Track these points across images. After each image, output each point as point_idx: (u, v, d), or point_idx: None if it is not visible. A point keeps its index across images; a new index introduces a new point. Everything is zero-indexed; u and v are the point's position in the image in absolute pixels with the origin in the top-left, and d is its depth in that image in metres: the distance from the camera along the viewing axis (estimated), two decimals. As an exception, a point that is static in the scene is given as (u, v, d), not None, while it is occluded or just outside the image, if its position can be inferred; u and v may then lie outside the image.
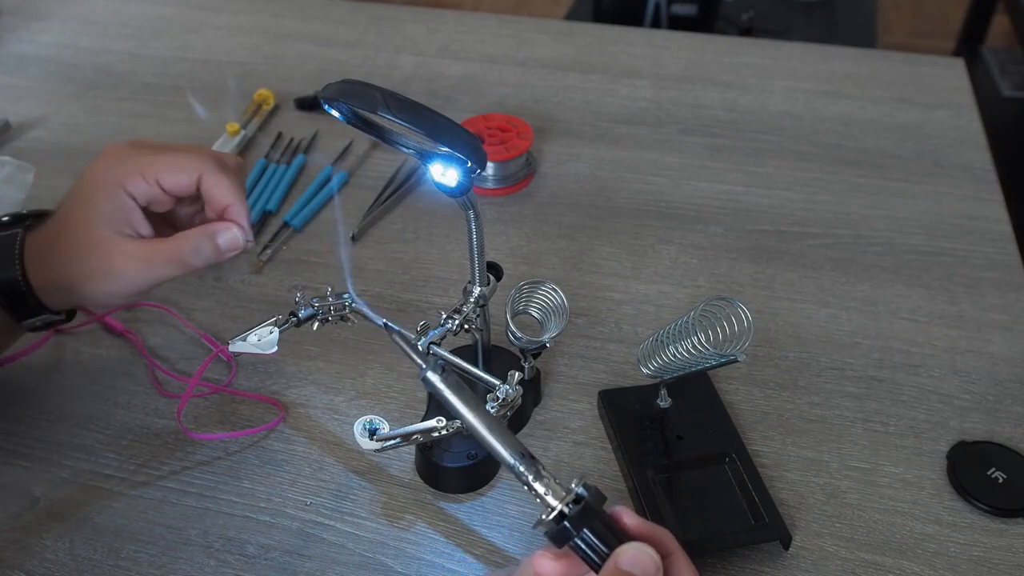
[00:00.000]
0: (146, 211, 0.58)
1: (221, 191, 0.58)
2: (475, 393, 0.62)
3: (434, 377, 0.42)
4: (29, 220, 0.60)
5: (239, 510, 0.60)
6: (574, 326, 0.73)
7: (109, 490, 0.61)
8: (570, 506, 0.40)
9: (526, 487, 0.40)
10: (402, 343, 0.45)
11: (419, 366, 0.42)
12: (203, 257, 0.57)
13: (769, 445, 0.64)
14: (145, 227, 0.58)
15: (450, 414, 0.56)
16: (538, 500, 0.40)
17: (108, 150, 0.59)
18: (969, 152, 0.94)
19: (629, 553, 0.39)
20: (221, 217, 0.59)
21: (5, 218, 0.60)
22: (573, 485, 0.40)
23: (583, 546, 0.40)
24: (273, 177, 0.89)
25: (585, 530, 0.39)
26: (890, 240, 0.82)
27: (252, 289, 0.77)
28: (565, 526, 0.40)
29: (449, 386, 0.41)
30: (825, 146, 0.95)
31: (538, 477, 0.40)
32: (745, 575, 0.56)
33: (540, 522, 0.40)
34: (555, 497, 0.40)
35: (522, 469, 0.40)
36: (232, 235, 0.58)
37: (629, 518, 0.42)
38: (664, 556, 0.41)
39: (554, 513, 0.40)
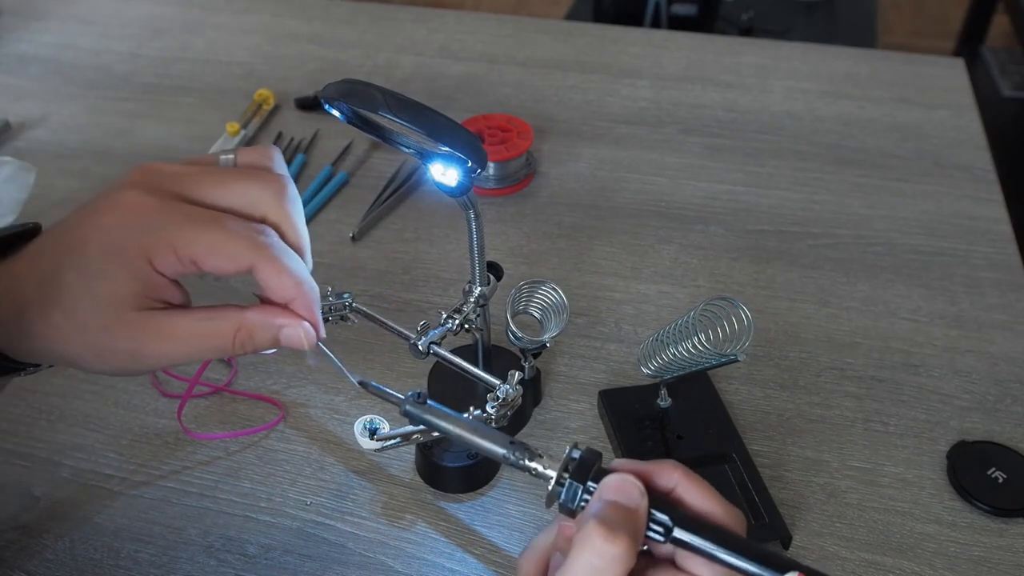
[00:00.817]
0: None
1: (282, 287, 0.44)
2: (475, 392, 0.62)
3: (414, 409, 0.43)
4: None
5: (239, 510, 0.60)
6: (574, 326, 0.73)
7: (109, 490, 0.61)
8: (568, 469, 0.40)
9: (525, 471, 0.41)
10: (377, 394, 0.48)
11: (399, 403, 0.44)
12: (255, 346, 0.44)
13: (769, 445, 0.64)
14: (175, 294, 0.44)
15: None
16: (540, 478, 0.41)
17: (126, 203, 0.41)
18: (969, 152, 0.94)
19: (613, 481, 0.38)
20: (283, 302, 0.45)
21: None
22: (566, 452, 0.41)
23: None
24: (273, 177, 0.89)
25: (590, 483, 0.39)
26: (890, 240, 0.82)
27: (252, 289, 0.77)
28: (570, 483, 0.39)
29: (429, 413, 0.43)
30: (825, 146, 0.95)
31: (533, 457, 0.41)
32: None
33: (548, 495, 0.40)
34: (551, 468, 0.40)
35: (516, 455, 0.41)
36: (298, 334, 0.45)
37: (627, 464, 0.41)
38: (671, 490, 0.40)
39: (554, 478, 0.40)
